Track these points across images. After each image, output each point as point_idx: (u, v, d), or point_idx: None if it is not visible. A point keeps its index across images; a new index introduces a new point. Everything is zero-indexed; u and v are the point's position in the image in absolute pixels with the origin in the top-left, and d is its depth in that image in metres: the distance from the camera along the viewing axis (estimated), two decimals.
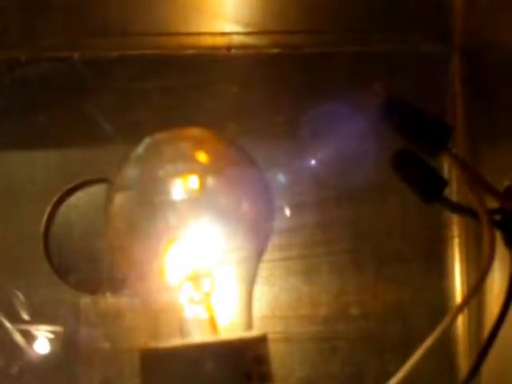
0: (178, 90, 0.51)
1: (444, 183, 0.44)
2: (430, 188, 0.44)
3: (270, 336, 0.43)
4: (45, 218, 0.50)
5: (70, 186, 0.51)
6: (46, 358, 0.49)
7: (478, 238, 0.48)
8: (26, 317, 0.49)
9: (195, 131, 0.46)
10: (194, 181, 0.43)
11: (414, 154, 0.44)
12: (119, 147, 0.48)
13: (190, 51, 0.52)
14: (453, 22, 0.53)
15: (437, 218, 0.52)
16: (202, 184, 0.43)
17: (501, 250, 0.43)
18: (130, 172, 0.45)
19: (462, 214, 0.46)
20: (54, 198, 0.51)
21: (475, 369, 0.43)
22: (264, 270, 0.48)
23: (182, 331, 0.43)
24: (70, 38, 0.50)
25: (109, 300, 0.49)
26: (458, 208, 0.46)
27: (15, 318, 0.49)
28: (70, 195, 0.51)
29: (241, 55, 0.52)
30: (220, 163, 0.45)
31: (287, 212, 0.51)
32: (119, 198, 0.45)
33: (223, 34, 0.52)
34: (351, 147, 0.50)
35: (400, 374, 0.41)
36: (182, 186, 0.43)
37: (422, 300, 0.52)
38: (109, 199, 0.45)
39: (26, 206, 0.51)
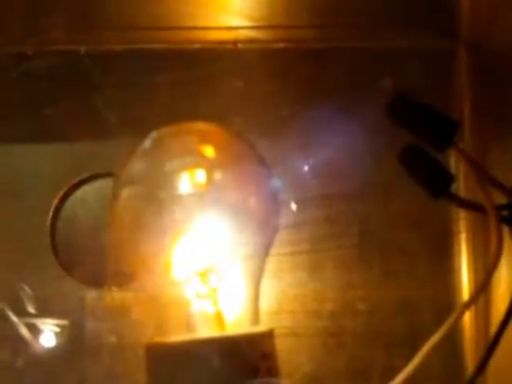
0: (185, 84, 0.51)
1: (451, 178, 0.44)
2: (438, 183, 0.44)
3: (277, 331, 0.43)
4: (51, 211, 0.50)
5: (76, 179, 0.51)
6: (51, 351, 0.49)
7: (485, 234, 0.48)
8: (32, 310, 0.49)
9: (202, 125, 0.46)
10: (200, 175, 0.43)
11: (422, 149, 0.44)
12: (125, 141, 0.48)
13: (197, 45, 0.52)
14: (458, 17, 0.53)
15: (444, 213, 0.52)
16: (209, 178, 0.43)
17: (508, 245, 0.43)
18: (137, 166, 0.45)
19: (470, 210, 0.46)
20: (61, 192, 0.51)
21: (482, 365, 0.43)
22: (271, 264, 0.47)
23: (189, 326, 0.43)
24: (76, 32, 0.50)
25: (115, 294, 0.49)
26: (465, 203, 0.45)
27: (21, 312, 0.49)
28: (77, 189, 0.51)
29: (247, 50, 0.52)
30: (227, 157, 0.45)
31: (293, 207, 0.50)
32: (125, 193, 0.45)
33: (230, 28, 0.52)
34: (358, 143, 0.50)
35: (407, 370, 0.41)
36: (188, 181, 0.43)
37: (428, 295, 0.51)
38: (115, 193, 0.45)
39: (33, 199, 0.51)
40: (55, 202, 0.51)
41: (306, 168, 0.50)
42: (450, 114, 0.44)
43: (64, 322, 0.49)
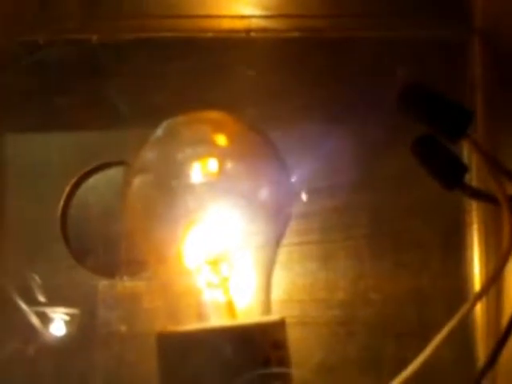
0: (197, 73, 0.51)
1: (464, 169, 0.44)
2: (451, 174, 0.43)
3: (287, 320, 0.43)
4: (62, 200, 0.50)
5: (87, 168, 0.51)
6: (62, 340, 0.49)
7: (497, 225, 0.48)
8: (43, 299, 0.49)
9: (214, 114, 0.46)
10: (212, 164, 0.43)
11: (435, 139, 0.44)
12: (137, 130, 0.48)
13: (209, 34, 0.51)
14: (472, 7, 0.53)
15: (456, 204, 0.52)
16: (221, 167, 0.43)
17: None
18: (149, 155, 0.45)
19: (482, 201, 0.46)
20: (72, 181, 0.51)
21: (493, 356, 0.43)
22: (281, 254, 0.47)
23: (200, 315, 0.43)
24: (88, 21, 0.50)
25: (126, 283, 0.49)
26: (477, 194, 0.45)
27: (32, 301, 0.49)
28: (88, 178, 0.51)
29: (260, 39, 0.51)
30: (239, 147, 0.45)
31: (304, 197, 0.50)
32: (138, 181, 0.45)
33: (242, 17, 0.51)
34: (371, 132, 0.50)
35: (418, 361, 0.41)
36: (200, 170, 0.43)
37: (440, 286, 0.51)
38: (127, 182, 0.45)
39: (44, 188, 0.51)
40: (66, 190, 0.51)
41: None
42: (463, 104, 0.44)
43: (75, 311, 0.49)
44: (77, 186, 0.51)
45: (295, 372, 0.43)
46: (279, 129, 0.49)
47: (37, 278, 0.49)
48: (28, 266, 0.49)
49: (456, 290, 0.51)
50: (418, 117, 0.44)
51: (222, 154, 0.44)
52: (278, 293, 0.49)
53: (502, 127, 0.51)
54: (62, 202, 0.50)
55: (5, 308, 0.49)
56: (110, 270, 0.49)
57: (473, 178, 0.51)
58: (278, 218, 0.45)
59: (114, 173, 0.50)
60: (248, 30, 0.51)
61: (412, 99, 0.44)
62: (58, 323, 0.49)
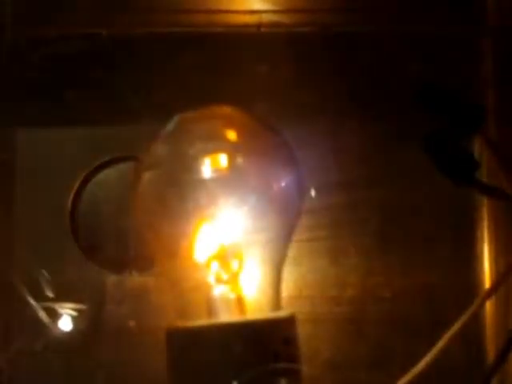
0: (207, 68, 0.51)
1: (476, 166, 0.44)
2: (462, 171, 0.43)
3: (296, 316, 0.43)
4: (72, 195, 0.50)
5: (98, 163, 0.51)
6: (70, 336, 0.49)
7: (508, 221, 0.48)
8: (51, 295, 0.49)
9: (225, 109, 0.46)
10: (223, 159, 0.43)
11: (446, 135, 0.44)
12: (148, 125, 0.48)
13: (220, 29, 0.51)
14: (484, 3, 0.53)
15: (466, 200, 0.52)
16: (231, 162, 0.43)
17: None
18: (159, 150, 0.45)
19: (493, 197, 0.46)
20: (82, 175, 0.51)
21: (504, 353, 0.43)
22: (291, 250, 0.47)
23: (210, 311, 0.43)
24: (98, 15, 0.50)
25: (135, 278, 0.49)
26: (488, 190, 0.45)
27: (41, 296, 0.49)
28: (98, 172, 0.51)
29: (271, 33, 0.52)
30: (249, 142, 0.45)
31: (313, 193, 0.50)
32: (148, 176, 0.45)
33: (253, 11, 0.51)
34: (382, 128, 0.50)
35: (428, 358, 0.41)
36: (210, 165, 0.43)
37: (450, 283, 0.51)
38: (137, 177, 0.45)
39: (54, 183, 0.51)
40: (76, 185, 0.51)
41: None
42: (476, 102, 0.44)
43: (84, 307, 0.49)
44: (87, 180, 0.51)
45: (304, 368, 0.43)
46: (289, 123, 0.49)
47: (46, 273, 0.49)
48: (37, 262, 0.49)
49: (466, 286, 0.51)
50: (432, 113, 0.44)
51: (233, 149, 0.44)
52: (287, 289, 0.49)
53: None
54: (71, 197, 0.50)
55: (14, 303, 0.49)
56: (119, 266, 0.49)
57: (483, 174, 0.50)
58: (287, 214, 0.45)
59: (125, 168, 0.50)
60: (259, 25, 0.51)
61: (425, 96, 0.44)
62: (67, 319, 0.49)
